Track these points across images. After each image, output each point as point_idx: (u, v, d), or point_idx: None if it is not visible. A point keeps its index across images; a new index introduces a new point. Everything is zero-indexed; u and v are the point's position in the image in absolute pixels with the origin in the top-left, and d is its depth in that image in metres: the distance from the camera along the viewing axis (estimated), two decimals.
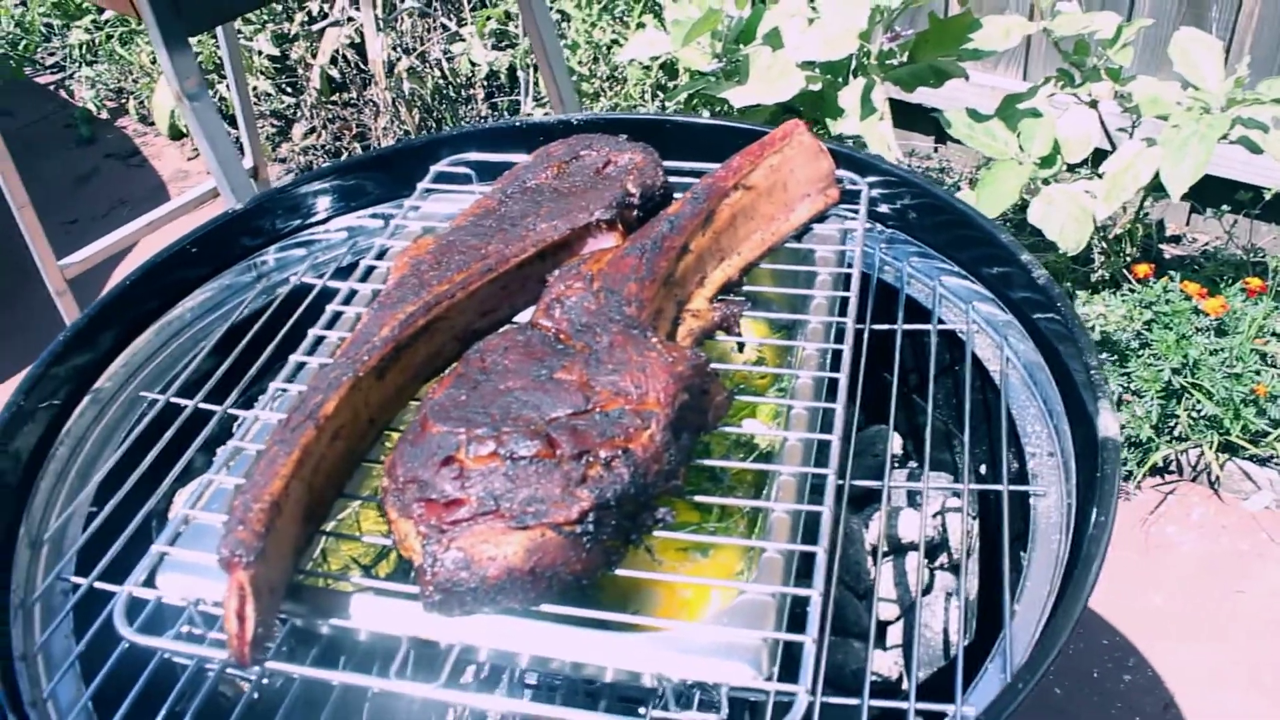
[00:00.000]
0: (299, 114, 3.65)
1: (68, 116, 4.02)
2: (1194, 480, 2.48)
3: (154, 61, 3.80)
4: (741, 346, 1.04)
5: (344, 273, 1.27)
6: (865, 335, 1.12)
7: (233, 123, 3.83)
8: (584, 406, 0.80)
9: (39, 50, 4.34)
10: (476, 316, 0.97)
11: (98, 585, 0.94)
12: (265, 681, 0.90)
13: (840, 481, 0.85)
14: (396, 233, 1.16)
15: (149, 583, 0.84)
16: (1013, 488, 0.97)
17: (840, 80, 2.57)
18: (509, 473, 0.76)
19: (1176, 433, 2.43)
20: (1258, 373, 2.39)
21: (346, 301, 1.08)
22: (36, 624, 0.94)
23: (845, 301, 1.02)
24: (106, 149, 3.87)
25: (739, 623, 0.74)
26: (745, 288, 1.06)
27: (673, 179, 1.13)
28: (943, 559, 1.01)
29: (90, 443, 1.11)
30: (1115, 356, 2.47)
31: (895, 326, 1.14)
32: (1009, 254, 1.10)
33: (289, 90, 3.68)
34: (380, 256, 1.13)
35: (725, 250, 1.02)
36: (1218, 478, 2.44)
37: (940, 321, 1.15)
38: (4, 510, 0.99)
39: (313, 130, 3.60)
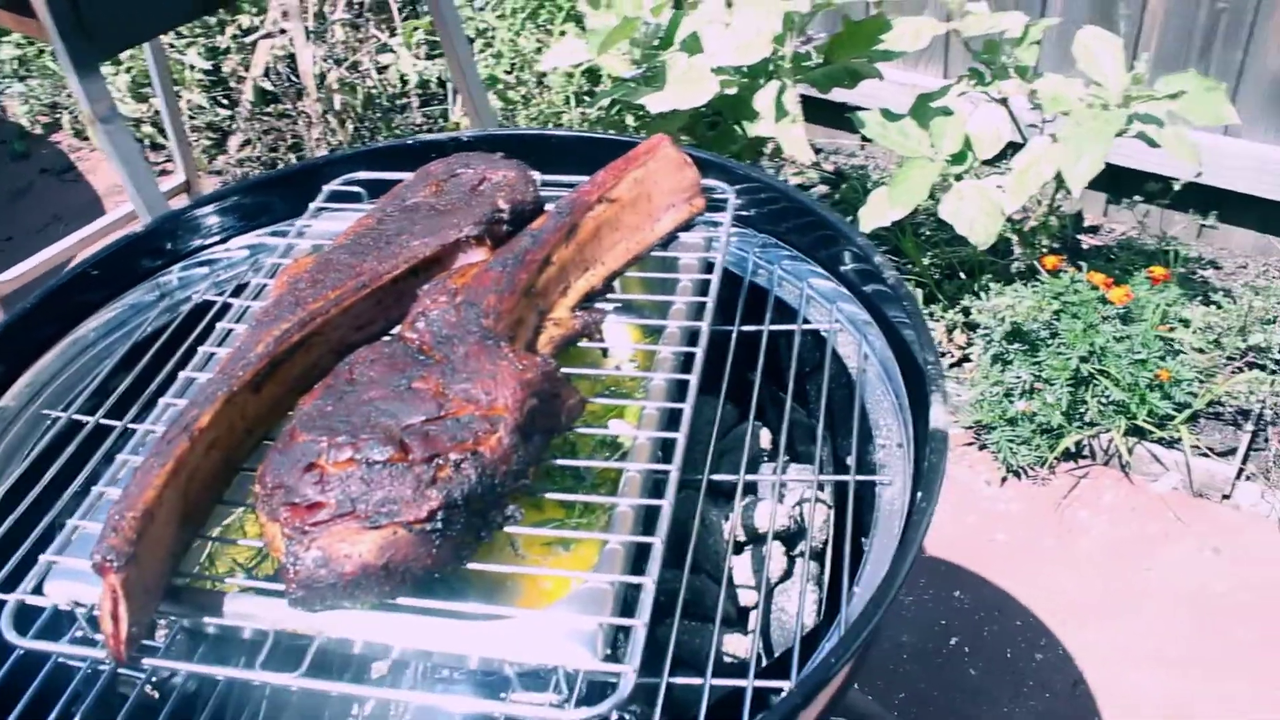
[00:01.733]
0: (234, 126, 3.68)
1: (0, 133, 4.02)
2: (1105, 464, 2.58)
3: None
4: (606, 352, 1.10)
5: (242, 290, 1.33)
6: (734, 336, 1.19)
7: (165, 135, 3.86)
8: (436, 413, 0.86)
9: None
10: (352, 331, 1.03)
11: None
12: (156, 679, 0.96)
13: (696, 476, 0.92)
14: (289, 252, 1.22)
15: (38, 590, 0.89)
16: (860, 478, 1.04)
17: (758, 83, 2.65)
18: (365, 476, 0.82)
19: (1087, 419, 2.52)
20: (1162, 358, 2.49)
21: (239, 319, 1.13)
22: None
23: (703, 305, 1.09)
24: (41, 164, 3.88)
25: (578, 609, 0.81)
26: (617, 295, 1.13)
27: (556, 191, 1.20)
28: (802, 547, 1.08)
29: None
30: (1026, 346, 2.56)
31: (762, 327, 1.21)
32: (864, 255, 1.17)
33: (223, 103, 3.71)
34: (273, 275, 1.19)
35: (589, 260, 1.09)
36: (1127, 461, 2.54)
37: (805, 321, 1.22)
38: None
39: (248, 142, 3.64)
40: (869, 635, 0.81)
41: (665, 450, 0.97)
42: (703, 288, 1.12)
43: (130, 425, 1.15)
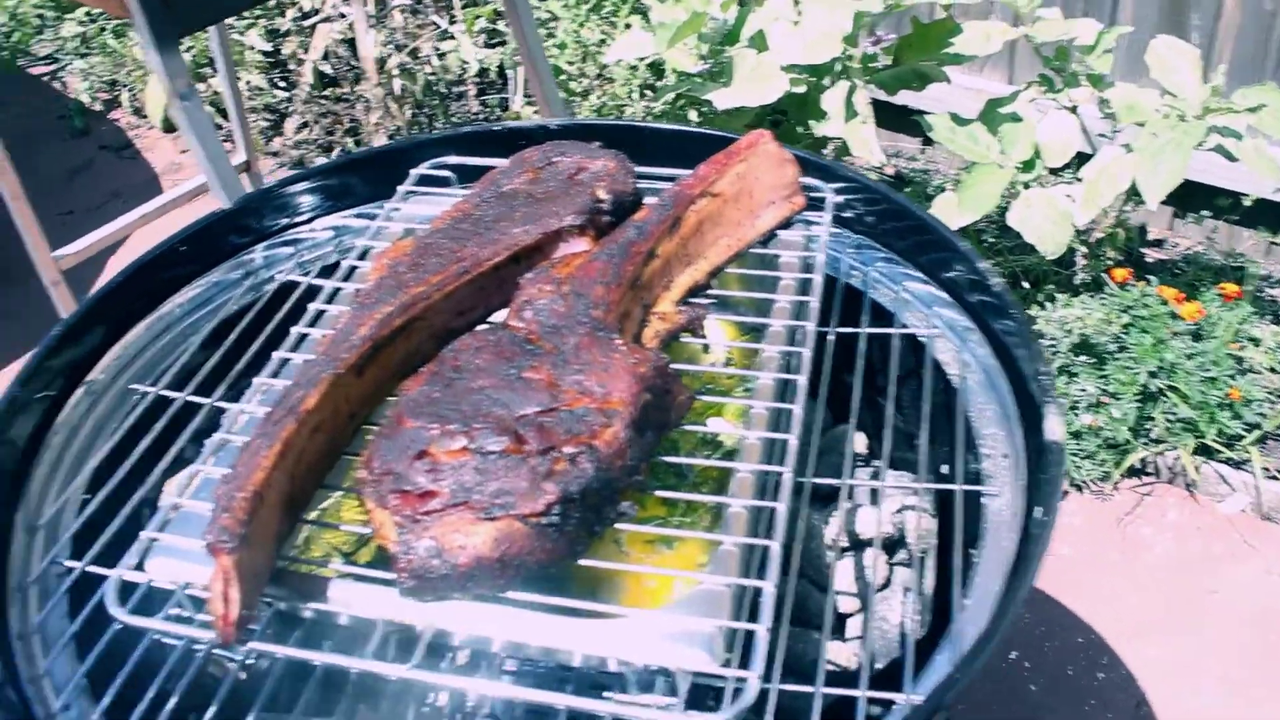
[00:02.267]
0: (291, 108, 3.68)
1: (61, 109, 4.05)
2: (1170, 482, 2.53)
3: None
4: (707, 348, 1.08)
5: (329, 271, 1.31)
6: (831, 338, 1.16)
7: (225, 116, 3.87)
8: (550, 404, 0.84)
9: (32, 42, 4.37)
10: (453, 316, 1.02)
11: (90, 569, 0.98)
12: (250, 662, 0.95)
13: (798, 479, 0.90)
14: (378, 234, 1.21)
15: (139, 567, 0.88)
16: (967, 488, 1.02)
17: (824, 83, 2.61)
18: (479, 466, 0.80)
19: (1153, 435, 2.48)
20: (1232, 377, 2.44)
21: (330, 300, 1.12)
22: (33, 605, 0.98)
23: (807, 305, 1.06)
24: (100, 141, 3.90)
25: (695, 611, 0.79)
26: (714, 291, 1.11)
27: (646, 184, 1.18)
28: (901, 555, 1.05)
29: (83, 433, 1.15)
30: (1093, 359, 2.52)
31: (859, 330, 1.18)
32: (967, 261, 1.14)
33: (281, 85, 3.71)
34: (362, 257, 1.18)
35: (692, 255, 1.07)
36: (1193, 480, 2.49)
37: (903, 325, 1.20)
38: (2, 497, 1.03)
39: (305, 125, 3.64)
40: (992, 652, 0.79)
41: (773, 451, 0.94)
42: (804, 287, 1.10)
43: (218, 404, 1.14)
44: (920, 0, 2.48)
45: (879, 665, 1.00)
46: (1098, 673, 2.18)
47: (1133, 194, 2.56)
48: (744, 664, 0.75)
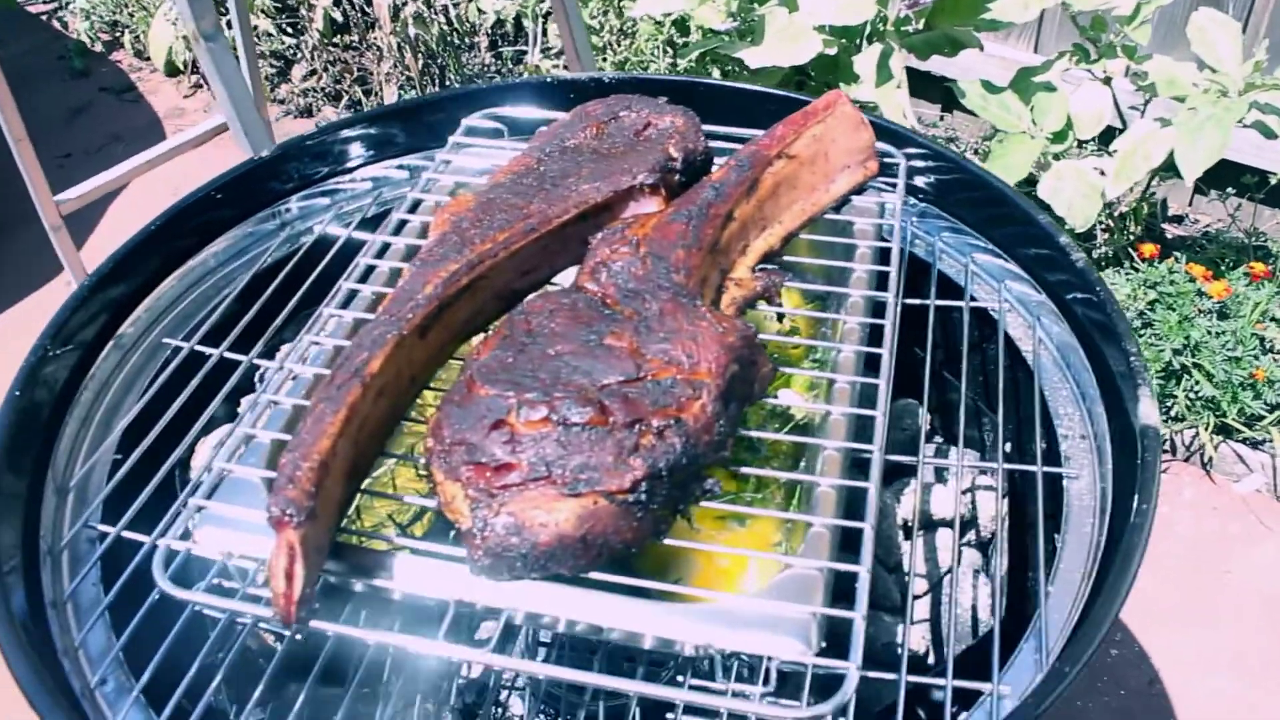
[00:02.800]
0: (299, 55, 3.59)
1: (61, 48, 3.94)
2: (1186, 460, 2.50)
3: None
4: (781, 317, 1.03)
5: (369, 224, 1.26)
6: (897, 309, 1.11)
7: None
8: (635, 374, 0.79)
9: None
10: (517, 276, 0.96)
11: (125, 534, 0.93)
12: (298, 638, 0.90)
13: (885, 457, 0.85)
14: (429, 186, 1.15)
15: (185, 535, 0.83)
16: (1046, 469, 0.97)
17: (855, 45, 2.55)
18: (561, 439, 0.75)
19: (1173, 413, 2.45)
20: (1256, 357, 2.41)
21: (379, 255, 1.06)
22: (65, 571, 0.93)
23: (885, 276, 1.01)
24: (100, 83, 3.80)
25: (787, 596, 0.74)
26: (787, 258, 1.06)
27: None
28: (970, 536, 1.01)
29: (113, 389, 1.09)
30: None
31: (928, 302, 1.13)
32: (1046, 235, 1.09)
33: (289, 31, 3.62)
34: (413, 210, 1.12)
35: (767, 219, 1.01)
36: (1211, 459, 2.46)
37: (972, 299, 1.15)
38: (31, 456, 0.98)
39: (313, 72, 3.55)
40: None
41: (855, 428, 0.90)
42: (881, 257, 1.05)
43: (256, 361, 1.09)
44: None
45: (952, 650, 0.96)
46: (1112, 650, 2.16)
47: (1161, 169, 2.51)
48: (842, 653, 0.71)
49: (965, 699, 0.82)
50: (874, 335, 0.97)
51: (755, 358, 0.84)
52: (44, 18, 4.10)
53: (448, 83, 3.37)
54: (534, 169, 1.03)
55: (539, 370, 0.80)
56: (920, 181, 1.23)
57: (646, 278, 0.87)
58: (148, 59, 3.82)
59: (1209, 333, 2.42)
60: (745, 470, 0.87)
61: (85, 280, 1.06)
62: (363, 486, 0.88)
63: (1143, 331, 2.46)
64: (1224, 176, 2.95)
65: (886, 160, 1.14)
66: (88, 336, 1.08)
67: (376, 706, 0.97)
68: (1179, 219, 3.18)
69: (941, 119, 3.50)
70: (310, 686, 0.87)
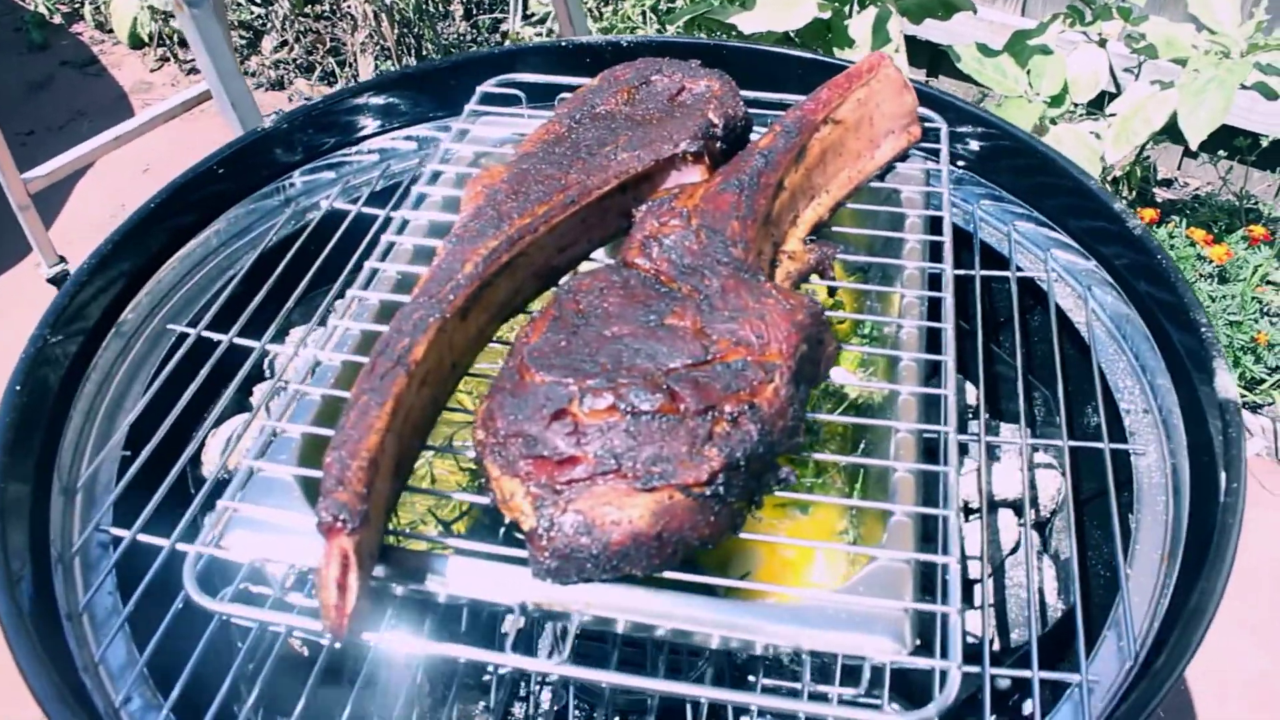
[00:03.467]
0: (269, 25, 3.47)
1: (17, 20, 3.79)
2: None
3: None
4: (832, 291, 0.98)
5: (378, 198, 1.19)
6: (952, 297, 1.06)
7: None
8: (703, 357, 0.74)
9: None
10: (555, 253, 0.90)
11: (142, 539, 0.87)
12: (337, 646, 0.84)
13: (959, 438, 0.80)
14: (447, 156, 1.08)
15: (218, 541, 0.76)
16: (1114, 445, 0.93)
17: (846, 10, 2.49)
18: (630, 429, 0.70)
19: None
20: (1256, 320, 2.39)
21: (400, 231, 1.00)
22: (78, 580, 0.86)
23: (938, 246, 0.96)
24: (61, 56, 3.66)
25: (876, 592, 0.69)
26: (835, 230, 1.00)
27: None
28: (1026, 519, 0.96)
29: (117, 381, 1.02)
30: None
31: (973, 272, 1.08)
32: (1100, 203, 1.04)
33: (258, 0, 3.50)
34: (433, 181, 1.05)
35: (816, 188, 0.96)
36: None
37: (1018, 269, 1.10)
38: (34, 454, 0.90)
39: (284, 44, 3.44)
40: (1201, 635, 0.71)
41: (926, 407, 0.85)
42: (933, 226, 0.99)
43: (269, 346, 1.02)
44: None
45: (1016, 636, 0.92)
46: None
47: (1159, 132, 2.48)
48: (943, 651, 0.66)
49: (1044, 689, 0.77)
50: (930, 308, 0.92)
51: (823, 336, 0.79)
52: None
53: (425, 53, 3.27)
54: (566, 137, 0.96)
55: (598, 354, 0.75)
56: (959, 148, 1.18)
57: (703, 252, 0.81)
58: (110, 31, 3.69)
59: (1210, 297, 2.39)
60: (827, 457, 0.82)
61: (84, 264, 0.99)
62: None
63: None
64: (1215, 139, 2.92)
65: (928, 126, 1.08)
66: (88, 324, 1.00)
67: (406, 707, 0.91)
68: (1168, 183, 3.16)
69: (927, 84, 3.45)
70: (352, 692, 0.81)
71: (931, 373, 0.86)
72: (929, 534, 0.76)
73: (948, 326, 0.87)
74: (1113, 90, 2.68)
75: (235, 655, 0.82)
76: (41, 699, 0.71)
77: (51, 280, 2.79)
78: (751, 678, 0.80)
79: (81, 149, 2.73)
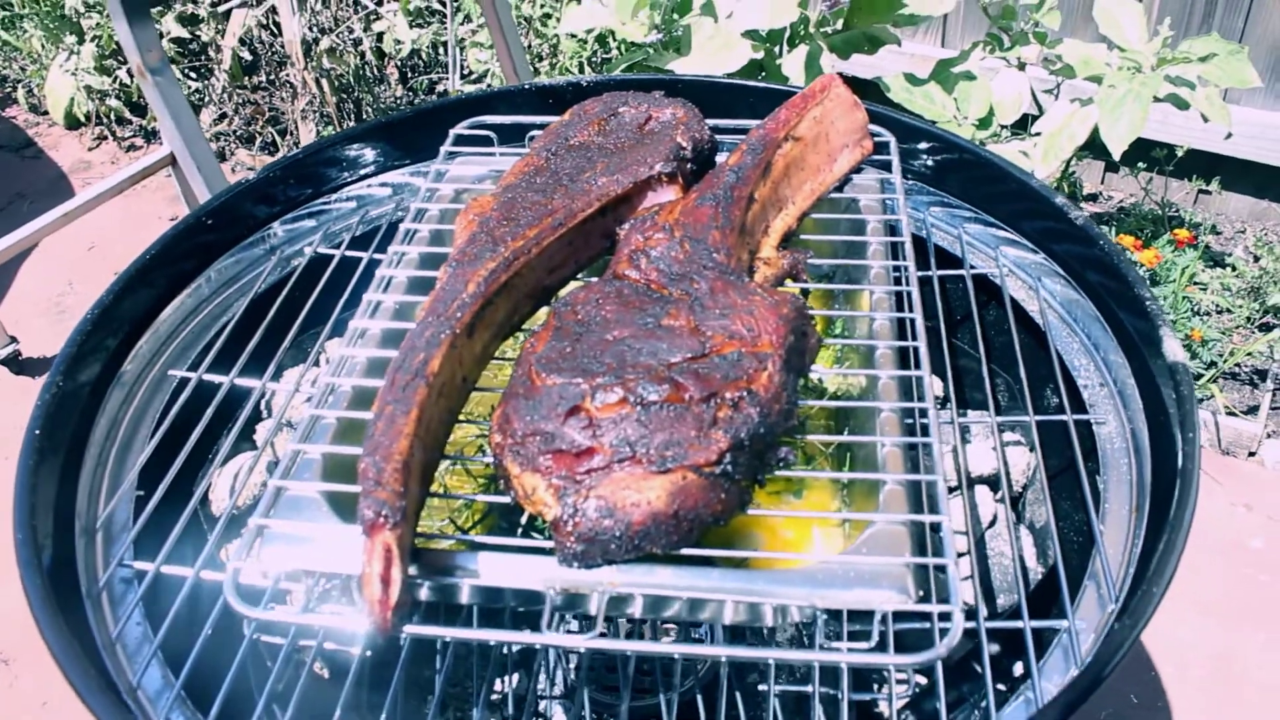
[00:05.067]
0: (206, 99, 3.51)
1: None
2: None
3: (44, 47, 3.61)
4: (807, 293, 1.04)
5: (360, 242, 1.24)
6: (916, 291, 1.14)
7: (136, 111, 3.67)
8: (701, 350, 0.79)
9: None
10: (545, 274, 0.96)
11: (165, 570, 0.90)
12: (367, 653, 0.87)
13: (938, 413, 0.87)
14: (431, 196, 1.14)
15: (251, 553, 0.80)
16: (1077, 417, 1.00)
17: (777, 50, 2.60)
18: (641, 418, 0.75)
19: None
20: (1189, 319, 2.51)
21: (396, 266, 1.05)
22: (107, 612, 0.89)
23: (899, 247, 1.03)
24: None
25: (879, 551, 0.75)
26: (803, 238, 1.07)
27: None
28: (1003, 492, 1.03)
29: (124, 425, 1.05)
30: None
31: (930, 273, 1.16)
32: (1043, 200, 1.13)
33: (194, 75, 3.54)
34: (418, 219, 1.10)
35: (783, 200, 1.03)
36: None
37: (972, 267, 1.18)
38: (51, 497, 0.93)
39: (223, 116, 3.48)
40: (1173, 569, 0.77)
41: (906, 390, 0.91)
42: (891, 229, 1.07)
43: (269, 385, 1.06)
44: None
45: (1003, 600, 0.98)
46: None
47: (1082, 148, 2.61)
48: (943, 599, 0.72)
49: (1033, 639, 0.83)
50: (897, 302, 0.99)
51: (806, 329, 0.85)
52: None
53: (364, 116, 3.33)
54: (545, 168, 1.03)
55: (602, 355, 0.80)
56: (908, 163, 1.26)
57: (689, 260, 0.88)
58: (45, 113, 3.70)
59: None
60: (820, 438, 0.88)
61: (88, 314, 1.02)
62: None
63: None
64: (1134, 152, 3.08)
65: (878, 140, 1.16)
66: (94, 373, 1.04)
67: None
68: (1094, 197, 3.30)
69: None
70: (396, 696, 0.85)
71: (905, 360, 0.93)
72: (918, 502, 0.82)
73: (916, 316, 0.94)
74: (1034, 112, 2.82)
75: (266, 676, 0.85)
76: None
77: (2, 361, 2.78)
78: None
79: (26, 229, 2.74)
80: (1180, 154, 2.96)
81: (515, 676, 1.05)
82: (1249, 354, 2.58)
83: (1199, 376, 2.50)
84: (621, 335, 0.82)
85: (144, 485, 1.00)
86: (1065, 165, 2.79)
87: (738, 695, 0.95)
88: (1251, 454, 2.53)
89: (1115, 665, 0.71)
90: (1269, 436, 2.55)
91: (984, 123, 2.56)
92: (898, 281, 1.00)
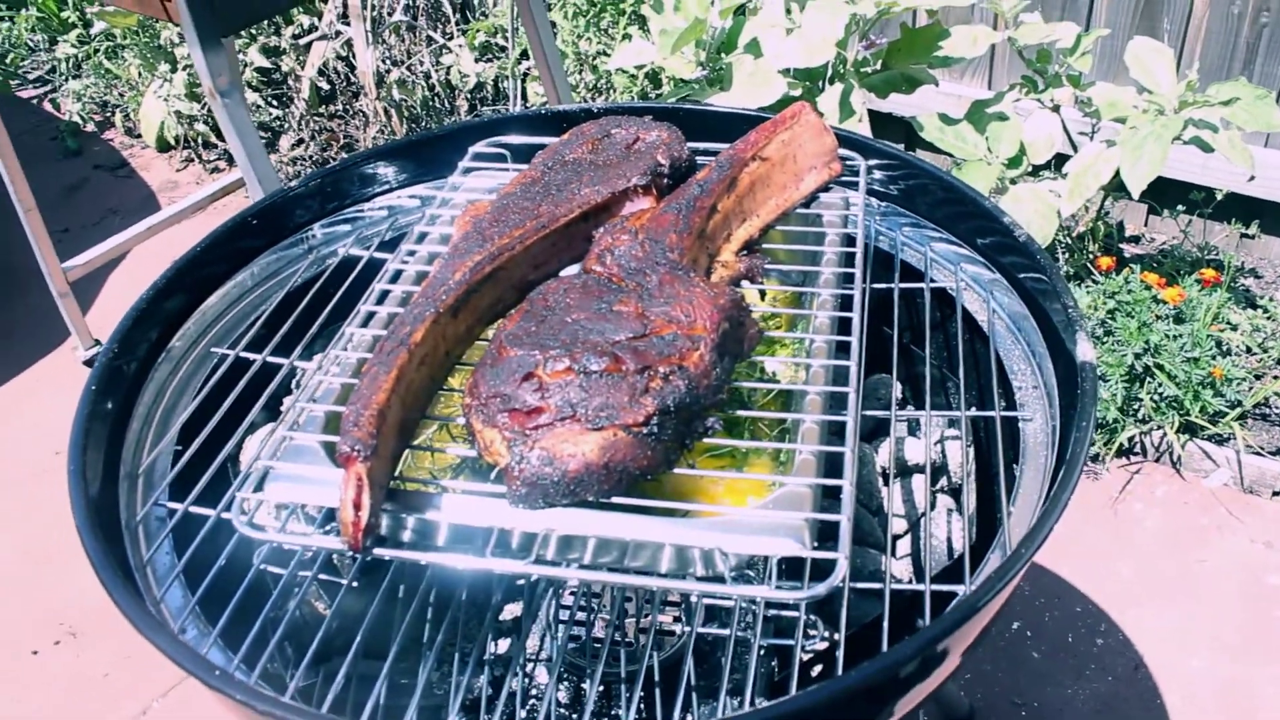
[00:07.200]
0: (286, 126, 3.75)
1: (53, 129, 4.09)
2: (1157, 460, 2.64)
3: (140, 75, 3.89)
4: (763, 294, 1.17)
5: (388, 245, 1.39)
6: (866, 294, 1.25)
7: (221, 135, 3.92)
8: (642, 331, 0.92)
9: (24, 64, 4.41)
10: (530, 269, 1.10)
11: (193, 510, 1.05)
12: (355, 584, 1.02)
13: (863, 413, 0.98)
14: (444, 203, 1.29)
15: (258, 489, 0.95)
16: (1004, 414, 1.11)
17: (817, 87, 2.73)
18: (583, 384, 0.88)
19: (1140, 415, 2.59)
20: (1214, 357, 2.56)
21: (406, 259, 1.20)
22: (142, 542, 1.05)
23: (852, 256, 1.15)
24: (94, 160, 3.95)
25: (783, 507, 0.87)
26: (765, 247, 1.20)
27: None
28: (943, 482, 1.14)
29: (169, 392, 1.22)
30: None
31: (892, 285, 1.27)
32: (995, 219, 1.24)
33: (275, 103, 3.79)
34: (431, 223, 1.26)
35: (746, 212, 1.15)
36: (1179, 457, 2.60)
37: (932, 281, 1.29)
38: (107, 447, 1.10)
39: (300, 142, 3.71)
40: (1043, 539, 0.87)
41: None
42: (847, 241, 1.19)
43: (296, 363, 1.22)
44: (910, 6, 2.59)
45: (933, 572, 1.09)
46: (1096, 639, 2.27)
47: (1113, 189, 2.69)
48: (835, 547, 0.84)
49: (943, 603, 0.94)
50: (846, 305, 1.11)
51: (743, 319, 0.98)
52: (35, 101, 4.26)
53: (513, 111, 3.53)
54: (540, 180, 1.17)
55: (560, 333, 0.94)
56: (882, 186, 1.38)
57: (646, 257, 1.01)
58: (139, 136, 3.98)
59: (1167, 336, 2.57)
60: (749, 413, 1.01)
61: (144, 294, 1.19)
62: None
63: (1105, 339, 2.61)
64: (1175, 195, 3.13)
65: (849, 164, 1.28)
66: (146, 345, 1.21)
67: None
68: (1136, 239, 3.36)
69: (904, 150, 3.68)
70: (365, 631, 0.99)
71: (843, 354, 1.05)
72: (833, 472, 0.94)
73: (856, 316, 1.06)
74: (1070, 152, 2.89)
75: (268, 597, 1.01)
76: (139, 626, 0.89)
77: (87, 362, 3.01)
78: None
79: (115, 240, 2.97)
80: (1220, 197, 3.00)
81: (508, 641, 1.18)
82: (1275, 394, 2.61)
83: (1223, 414, 2.54)
84: (579, 318, 0.95)
85: (182, 441, 1.16)
86: (1100, 205, 2.86)
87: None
88: (1276, 493, 2.56)
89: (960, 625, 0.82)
90: None
91: (1014, 161, 2.65)
92: (847, 287, 1.12)
